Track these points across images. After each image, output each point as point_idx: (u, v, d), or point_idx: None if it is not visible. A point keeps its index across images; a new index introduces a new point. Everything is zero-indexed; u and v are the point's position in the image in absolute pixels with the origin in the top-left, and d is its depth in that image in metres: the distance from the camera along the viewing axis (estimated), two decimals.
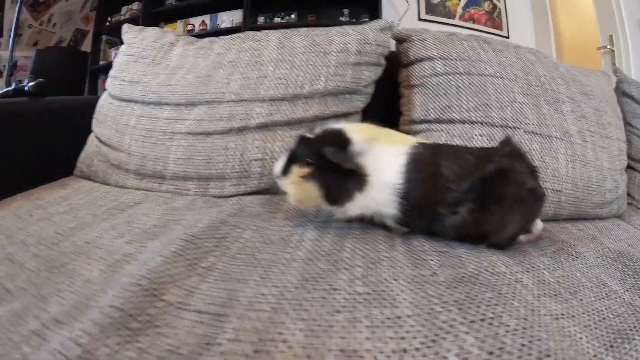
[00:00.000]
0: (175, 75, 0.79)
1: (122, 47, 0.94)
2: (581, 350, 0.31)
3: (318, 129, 0.47)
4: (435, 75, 0.75)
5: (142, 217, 0.56)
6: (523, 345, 0.29)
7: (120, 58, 0.91)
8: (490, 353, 0.28)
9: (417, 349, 0.28)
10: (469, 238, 0.47)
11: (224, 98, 0.72)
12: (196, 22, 2.82)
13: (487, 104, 0.71)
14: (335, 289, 0.35)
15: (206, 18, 2.79)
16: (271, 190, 0.68)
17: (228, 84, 0.73)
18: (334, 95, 0.73)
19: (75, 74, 2.92)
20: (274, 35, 0.81)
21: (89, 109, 0.94)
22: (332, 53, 0.75)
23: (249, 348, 0.27)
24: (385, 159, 0.46)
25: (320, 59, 0.74)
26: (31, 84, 0.96)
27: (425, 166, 0.45)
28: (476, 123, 0.70)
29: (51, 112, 0.96)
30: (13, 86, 1.00)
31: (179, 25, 2.89)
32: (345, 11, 2.54)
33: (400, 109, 0.79)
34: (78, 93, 2.79)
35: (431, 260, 0.42)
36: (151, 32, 0.93)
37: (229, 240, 0.45)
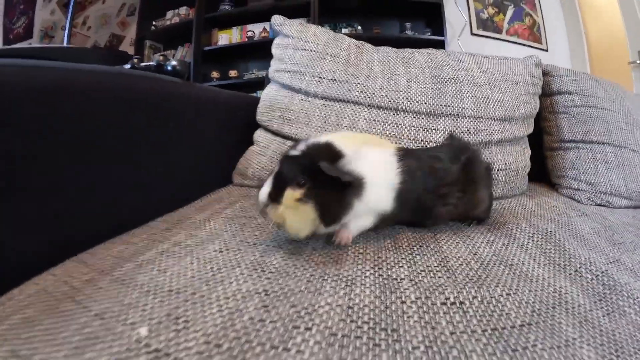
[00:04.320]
0: (397, 82, 0.84)
1: (288, 40, 0.91)
2: None
3: (301, 145, 0.44)
4: (575, 106, 1.00)
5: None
6: None
7: (290, 51, 0.90)
8: None
9: None
10: (457, 219, 0.57)
11: (465, 113, 0.83)
12: (256, 29, 2.76)
13: (609, 130, 0.98)
14: None
15: (267, 25, 2.71)
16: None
17: (462, 100, 0.84)
18: (527, 118, 0.92)
19: None
20: (468, 58, 0.93)
21: (252, 106, 0.90)
22: (520, 83, 0.92)
23: None
24: (379, 161, 0.48)
25: (514, 87, 0.91)
26: (174, 62, 0.83)
27: (414, 165, 0.49)
28: (606, 144, 0.98)
29: (211, 101, 0.86)
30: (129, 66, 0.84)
31: (235, 31, 2.83)
32: (408, 24, 2.68)
33: (546, 129, 1.02)
34: None
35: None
36: (318, 29, 0.94)
37: None
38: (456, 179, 0.52)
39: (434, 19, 2.65)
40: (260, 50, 2.69)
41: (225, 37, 2.85)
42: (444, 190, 0.51)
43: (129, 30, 3.32)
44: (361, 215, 0.47)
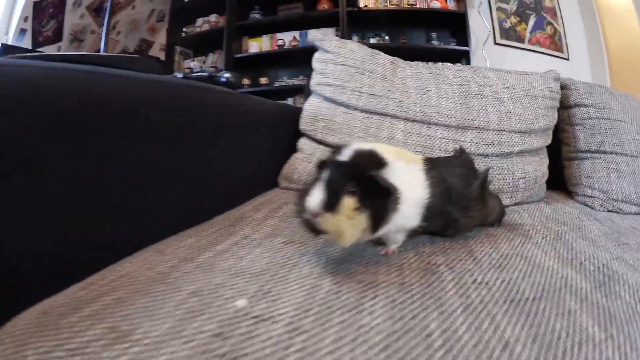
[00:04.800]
0: (429, 98, 0.95)
1: (328, 55, 1.01)
2: None
3: (347, 151, 0.44)
4: (591, 118, 1.08)
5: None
6: None
7: (331, 66, 1.00)
8: None
9: None
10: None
11: (490, 127, 0.92)
12: (286, 37, 2.88)
13: (622, 141, 1.06)
14: None
15: (296, 34, 2.85)
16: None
17: (487, 115, 0.93)
18: (546, 130, 1.01)
19: None
20: (492, 74, 1.02)
21: (295, 116, 1.01)
22: (539, 98, 1.01)
23: None
24: (411, 176, 0.49)
25: (534, 102, 1.00)
26: (227, 74, 0.95)
27: (439, 180, 0.51)
28: (619, 154, 1.06)
29: (258, 111, 0.97)
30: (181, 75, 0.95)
31: (265, 39, 2.95)
32: (434, 34, 2.80)
33: (564, 140, 1.11)
34: None
35: None
36: (355, 45, 1.04)
37: None
38: (478, 194, 0.57)
39: (459, 29, 2.74)
40: (290, 59, 2.83)
41: (256, 45, 2.98)
42: (467, 203, 0.55)
43: (158, 36, 3.45)
44: (394, 231, 0.49)
